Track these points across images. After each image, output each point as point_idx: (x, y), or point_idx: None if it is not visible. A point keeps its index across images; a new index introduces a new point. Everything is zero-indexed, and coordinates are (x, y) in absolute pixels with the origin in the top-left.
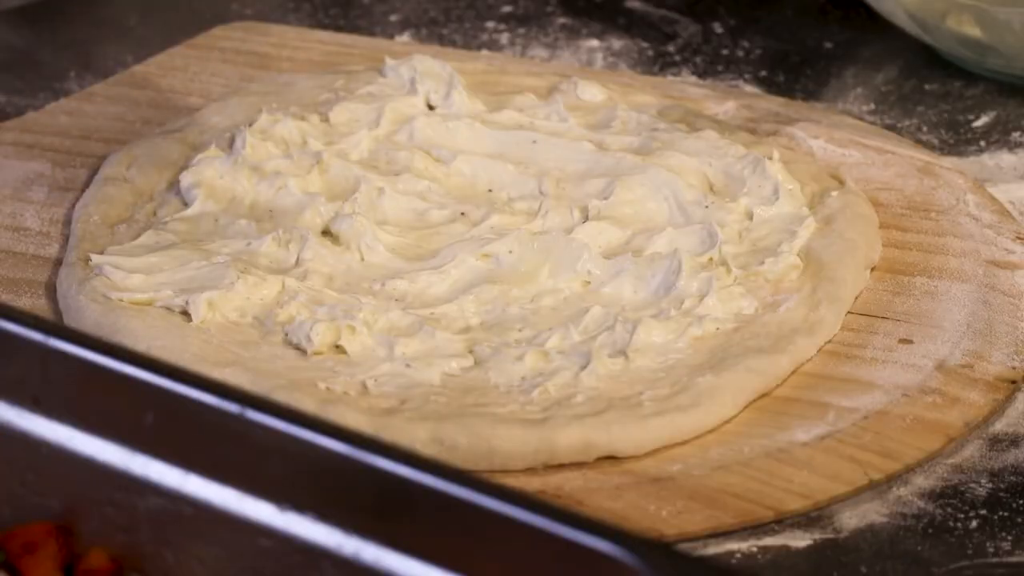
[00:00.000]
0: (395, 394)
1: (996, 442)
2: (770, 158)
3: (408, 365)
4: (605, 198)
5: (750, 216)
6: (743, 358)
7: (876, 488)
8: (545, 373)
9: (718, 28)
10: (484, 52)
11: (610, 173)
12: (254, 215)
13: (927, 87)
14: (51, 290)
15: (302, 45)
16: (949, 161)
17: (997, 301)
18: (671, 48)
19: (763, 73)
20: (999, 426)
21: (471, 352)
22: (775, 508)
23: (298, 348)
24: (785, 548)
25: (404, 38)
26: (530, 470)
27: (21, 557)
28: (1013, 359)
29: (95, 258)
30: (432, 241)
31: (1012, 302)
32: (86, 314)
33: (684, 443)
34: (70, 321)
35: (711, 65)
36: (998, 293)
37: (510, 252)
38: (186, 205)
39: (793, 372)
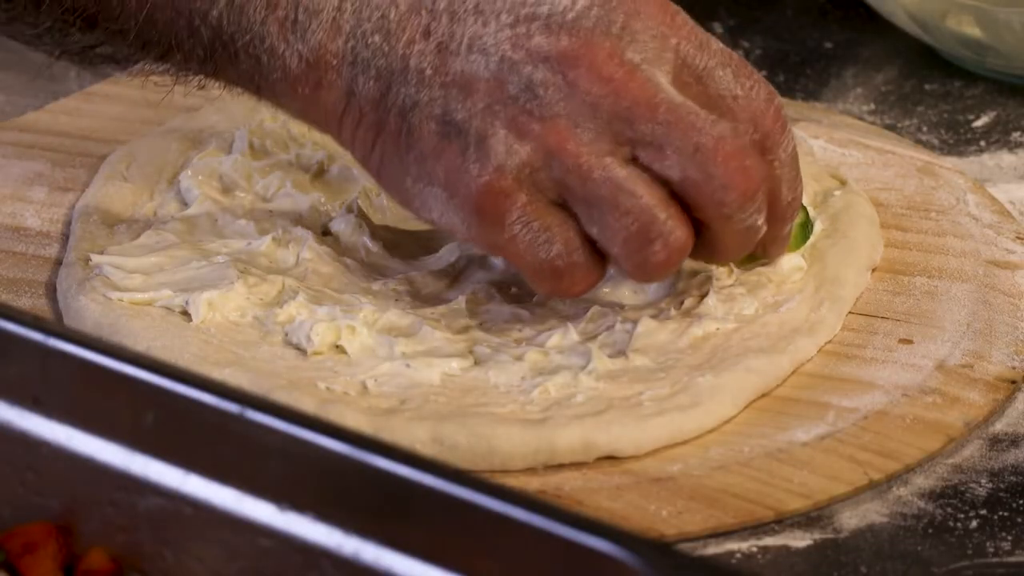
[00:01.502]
0: (395, 394)
1: (996, 442)
2: None
3: (408, 365)
4: None
5: None
6: (743, 358)
7: (876, 488)
8: (545, 373)
9: (718, 28)
10: None
11: None
12: (254, 215)
13: (927, 87)
14: (51, 290)
15: None
16: (949, 161)
17: (997, 301)
18: None
19: (763, 73)
20: (999, 426)
21: (471, 352)
22: (775, 508)
23: (298, 348)
24: (785, 548)
25: None
26: (530, 470)
27: (21, 557)
28: (1013, 359)
29: (95, 258)
30: (432, 241)
31: (1012, 302)
32: (86, 314)
33: (684, 443)
34: (70, 321)
35: None
36: (998, 293)
37: None
38: (186, 205)
39: (793, 372)
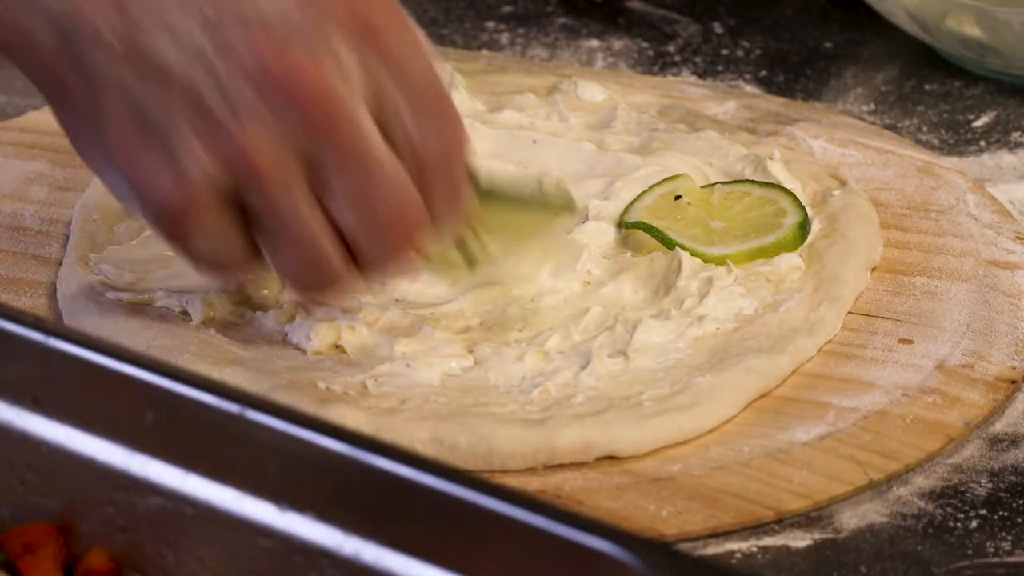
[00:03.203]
0: (395, 394)
1: (996, 442)
2: (771, 158)
3: (408, 365)
4: (605, 198)
5: None
6: (743, 358)
7: (876, 488)
8: (545, 373)
9: (718, 28)
10: (484, 52)
11: (610, 173)
12: None
13: (927, 87)
14: (51, 290)
15: None
16: (949, 161)
17: (997, 301)
18: (671, 48)
19: (763, 73)
20: (999, 426)
21: (471, 352)
22: (775, 508)
23: (298, 348)
24: (785, 548)
25: None
26: (530, 470)
27: (21, 557)
28: (1013, 359)
29: (95, 258)
30: None
31: (1012, 302)
32: (86, 314)
33: (684, 443)
34: (70, 321)
35: (711, 65)
36: (998, 293)
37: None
38: None
39: (793, 372)
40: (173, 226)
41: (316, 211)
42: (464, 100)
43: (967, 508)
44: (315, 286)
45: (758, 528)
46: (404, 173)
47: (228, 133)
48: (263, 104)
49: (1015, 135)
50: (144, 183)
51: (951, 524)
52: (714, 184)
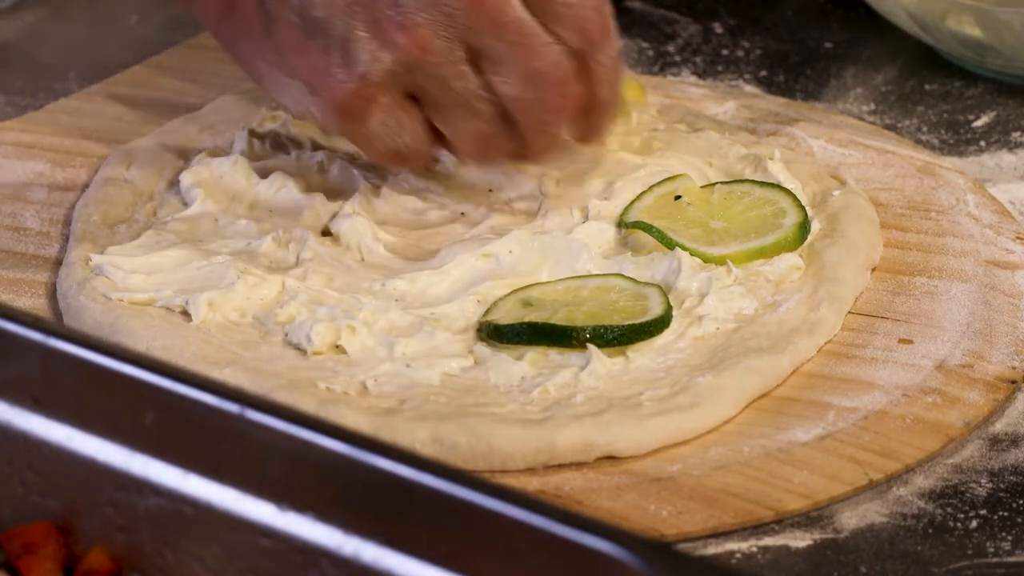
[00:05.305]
0: (395, 394)
1: (996, 442)
2: (771, 158)
3: (408, 365)
4: (605, 198)
5: None
6: (743, 358)
7: (876, 488)
8: (545, 373)
9: (718, 28)
10: None
11: (610, 173)
12: (254, 215)
13: (927, 87)
14: (51, 290)
15: None
16: (949, 161)
17: (997, 301)
18: (671, 48)
19: (763, 73)
20: (999, 426)
21: (471, 352)
22: (775, 508)
23: (298, 348)
24: (785, 548)
25: None
26: (530, 470)
27: (21, 557)
28: (1013, 359)
29: (95, 258)
30: (432, 241)
31: (1012, 302)
32: (86, 314)
33: (684, 443)
34: (70, 321)
35: (711, 65)
36: (998, 293)
37: (510, 252)
38: (186, 205)
39: (793, 372)
40: (351, 116)
41: (485, 90)
42: None
43: (967, 508)
44: (494, 151)
45: (758, 528)
46: (559, 50)
47: (394, 23)
48: None
49: (1015, 135)
50: (318, 79)
51: (951, 524)
52: (714, 184)
